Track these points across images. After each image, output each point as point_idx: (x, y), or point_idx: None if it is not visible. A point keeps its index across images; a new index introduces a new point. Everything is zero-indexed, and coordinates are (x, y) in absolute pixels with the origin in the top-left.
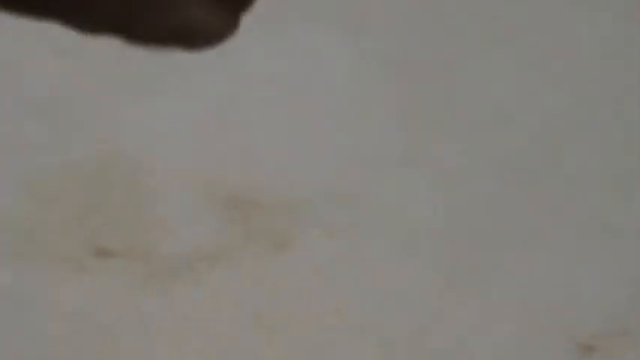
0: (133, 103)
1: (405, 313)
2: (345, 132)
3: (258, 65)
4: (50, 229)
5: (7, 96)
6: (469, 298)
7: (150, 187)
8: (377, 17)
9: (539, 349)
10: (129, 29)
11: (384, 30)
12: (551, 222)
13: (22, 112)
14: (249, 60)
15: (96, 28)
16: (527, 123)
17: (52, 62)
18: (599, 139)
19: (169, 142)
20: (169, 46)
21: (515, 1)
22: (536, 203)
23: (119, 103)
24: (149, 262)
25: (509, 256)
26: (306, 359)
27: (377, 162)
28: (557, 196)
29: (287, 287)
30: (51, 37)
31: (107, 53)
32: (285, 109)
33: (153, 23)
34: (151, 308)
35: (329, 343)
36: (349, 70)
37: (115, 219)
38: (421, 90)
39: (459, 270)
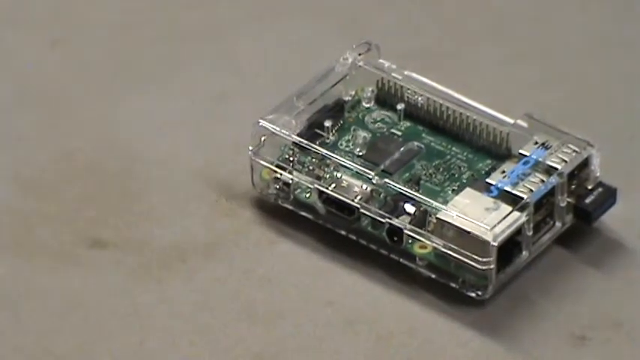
0: (126, 95)
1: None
2: None
3: (252, 58)
4: (43, 221)
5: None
6: None
7: (144, 178)
8: (371, 10)
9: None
10: None
11: (379, 22)
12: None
13: (14, 104)
14: (243, 53)
15: None
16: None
17: (45, 52)
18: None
19: (163, 133)
20: None
21: None
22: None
23: (113, 94)
24: (143, 253)
25: None
26: (299, 351)
27: None
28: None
29: (280, 280)
30: (45, 27)
31: (101, 44)
32: (278, 102)
33: None
34: (144, 299)
35: (322, 335)
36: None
37: (109, 211)
38: None
39: None
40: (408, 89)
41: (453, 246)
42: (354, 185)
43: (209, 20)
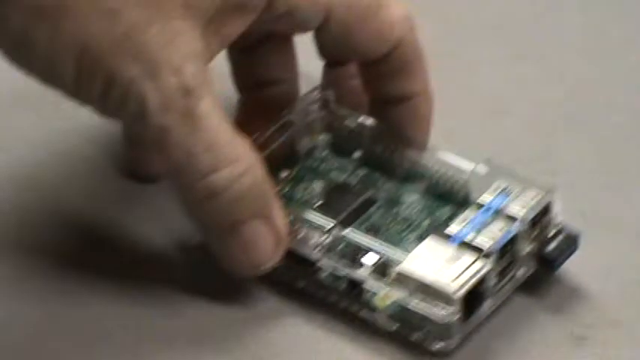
0: None
1: None
2: None
3: None
4: (44, 221)
5: None
6: None
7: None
8: None
9: None
10: None
11: None
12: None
13: (14, 104)
14: None
15: None
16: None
17: None
18: (593, 130)
19: None
20: None
21: None
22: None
23: None
24: (143, 253)
25: None
26: None
27: None
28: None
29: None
30: None
31: None
32: None
33: None
34: (144, 299)
35: None
36: None
37: (108, 210)
38: None
39: None
40: (364, 136)
41: (414, 298)
42: (311, 237)
43: None
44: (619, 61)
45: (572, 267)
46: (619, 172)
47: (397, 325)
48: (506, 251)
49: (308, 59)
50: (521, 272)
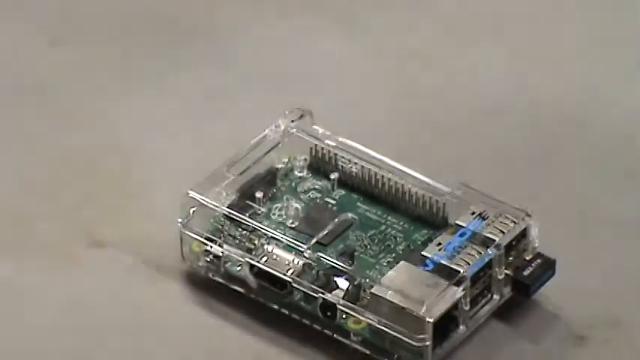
0: (126, 94)
1: None
2: None
3: (251, 58)
4: (43, 221)
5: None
6: None
7: (142, 178)
8: (368, 8)
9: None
10: None
11: (376, 21)
12: (544, 211)
13: (14, 104)
14: (241, 53)
15: None
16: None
17: (44, 52)
18: (592, 130)
19: (162, 133)
20: None
21: None
22: (529, 193)
23: (112, 93)
24: (142, 253)
25: None
26: None
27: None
28: (548, 187)
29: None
30: (46, 25)
31: (101, 44)
32: (278, 103)
33: None
34: (143, 299)
35: None
36: (343, 62)
37: (108, 210)
38: (412, 81)
39: None
40: (342, 157)
41: (387, 322)
42: (285, 258)
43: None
44: (619, 61)
45: (548, 292)
46: (619, 172)
47: (369, 349)
48: (481, 275)
49: None
50: (496, 297)
